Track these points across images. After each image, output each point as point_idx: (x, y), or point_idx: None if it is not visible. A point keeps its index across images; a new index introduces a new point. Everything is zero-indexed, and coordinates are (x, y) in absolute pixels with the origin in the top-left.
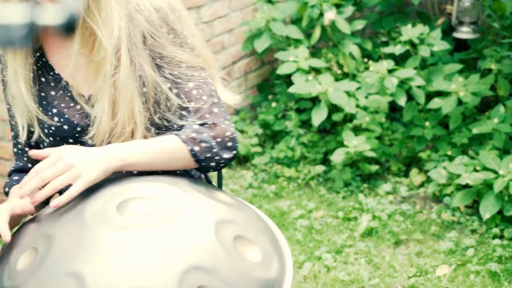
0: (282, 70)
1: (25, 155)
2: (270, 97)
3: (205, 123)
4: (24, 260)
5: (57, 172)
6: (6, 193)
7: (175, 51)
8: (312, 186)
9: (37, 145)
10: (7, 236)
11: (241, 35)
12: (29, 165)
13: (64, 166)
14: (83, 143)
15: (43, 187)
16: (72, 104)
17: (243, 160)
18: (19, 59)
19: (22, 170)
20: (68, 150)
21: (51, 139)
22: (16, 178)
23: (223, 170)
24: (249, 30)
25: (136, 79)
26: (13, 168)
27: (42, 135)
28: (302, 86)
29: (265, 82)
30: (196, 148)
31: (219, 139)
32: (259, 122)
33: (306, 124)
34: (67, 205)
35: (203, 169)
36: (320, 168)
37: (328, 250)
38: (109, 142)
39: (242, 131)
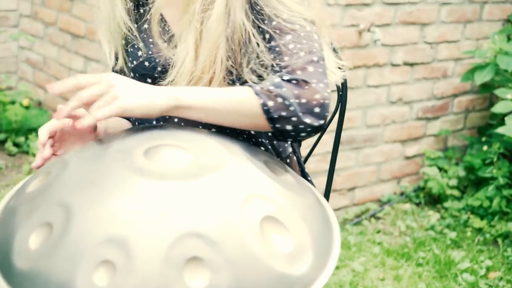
0: (497, 108)
1: None
2: (484, 139)
3: (293, 79)
4: (35, 184)
5: (94, 92)
6: None
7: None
8: (500, 245)
9: None
10: (40, 138)
11: (469, 67)
12: None
13: (104, 86)
14: None
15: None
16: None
17: (433, 201)
18: None
19: None
20: (117, 76)
21: (131, 74)
22: None
23: (407, 206)
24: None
25: (226, 23)
26: None
27: (125, 68)
28: None
29: (488, 126)
30: (270, 103)
31: (303, 100)
32: (464, 164)
33: None
34: (104, 139)
35: (278, 134)
36: None
37: None
38: None
39: (441, 169)
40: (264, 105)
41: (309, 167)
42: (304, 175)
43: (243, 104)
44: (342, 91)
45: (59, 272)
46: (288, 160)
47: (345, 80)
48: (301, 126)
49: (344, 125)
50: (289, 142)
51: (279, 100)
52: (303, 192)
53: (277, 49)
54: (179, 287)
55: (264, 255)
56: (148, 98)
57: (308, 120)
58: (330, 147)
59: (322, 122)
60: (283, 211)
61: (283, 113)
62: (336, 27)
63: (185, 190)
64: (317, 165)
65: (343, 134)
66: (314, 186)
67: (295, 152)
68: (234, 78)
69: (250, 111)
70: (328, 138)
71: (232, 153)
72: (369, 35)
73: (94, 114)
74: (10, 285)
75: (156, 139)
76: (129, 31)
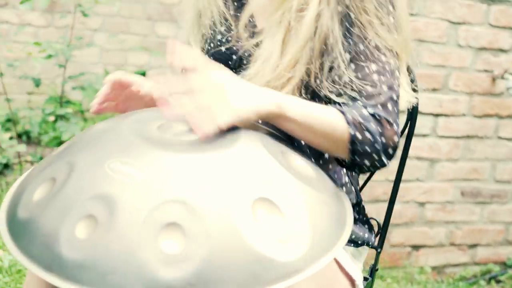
0: None
1: None
2: None
3: (376, 114)
4: (61, 147)
5: (189, 110)
6: None
7: (374, 22)
8: None
9: None
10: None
11: None
12: None
13: (199, 104)
14: None
15: None
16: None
17: None
18: None
19: None
20: (213, 82)
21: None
22: None
23: None
24: None
25: (315, 26)
26: None
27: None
28: None
29: None
30: (359, 136)
31: (384, 139)
32: None
33: None
34: (132, 112)
35: (350, 165)
36: None
37: None
38: None
39: None
40: (353, 136)
41: (425, 215)
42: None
43: (335, 129)
44: (412, 118)
45: (48, 222)
46: (343, 189)
47: (417, 105)
48: (377, 164)
49: (469, 176)
50: (345, 171)
51: (367, 135)
52: (320, 187)
53: (359, 74)
54: (151, 247)
55: (248, 233)
56: (255, 104)
57: (384, 159)
58: (450, 197)
59: (390, 162)
60: (284, 196)
61: (368, 149)
62: (466, 70)
63: (184, 161)
64: (434, 213)
65: (467, 185)
66: (371, 225)
67: (352, 183)
68: (304, 87)
69: (340, 139)
70: (449, 187)
71: (248, 137)
72: (504, 83)
73: (212, 124)
74: (9, 232)
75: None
76: (219, 16)
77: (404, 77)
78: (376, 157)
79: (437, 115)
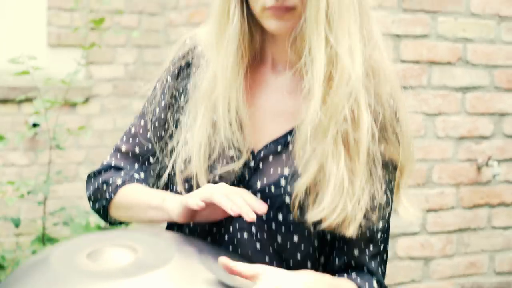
0: None
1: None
2: None
3: (379, 282)
4: None
5: None
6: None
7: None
8: None
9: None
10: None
11: None
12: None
13: None
14: None
15: None
16: (231, 155)
17: None
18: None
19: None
20: (280, 276)
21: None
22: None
23: None
24: None
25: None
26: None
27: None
28: None
29: None
30: None
31: None
32: None
33: None
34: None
35: None
36: None
37: None
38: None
39: None
40: None
41: None
42: None
43: None
44: None
45: None
46: None
47: None
48: None
49: (468, 271)
50: None
51: None
52: None
53: (368, 233)
54: None
55: None
56: None
57: None
58: None
59: None
60: None
61: None
62: (448, 161)
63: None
64: None
65: (466, 280)
66: None
67: None
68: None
69: None
70: (447, 285)
71: (183, 254)
72: (490, 170)
73: None
74: None
75: (111, 240)
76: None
77: (404, 196)
78: None
79: (425, 211)
